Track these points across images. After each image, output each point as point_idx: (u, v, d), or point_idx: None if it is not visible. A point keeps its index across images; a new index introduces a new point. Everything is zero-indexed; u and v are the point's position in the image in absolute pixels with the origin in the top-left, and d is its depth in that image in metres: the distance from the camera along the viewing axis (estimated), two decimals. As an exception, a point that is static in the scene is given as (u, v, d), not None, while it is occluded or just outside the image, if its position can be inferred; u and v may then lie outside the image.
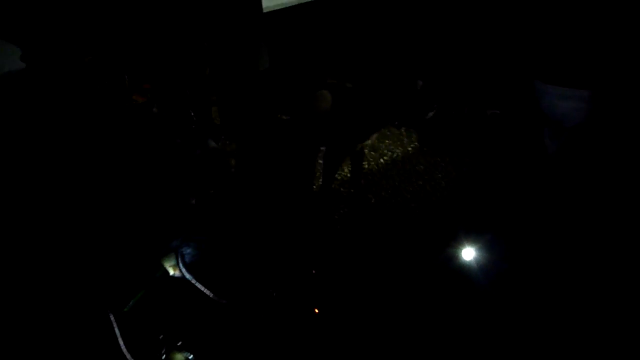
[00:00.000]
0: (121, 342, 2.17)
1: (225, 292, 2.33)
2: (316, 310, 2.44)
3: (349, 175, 3.26)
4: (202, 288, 2.27)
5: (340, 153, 3.00)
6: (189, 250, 2.37)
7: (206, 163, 2.67)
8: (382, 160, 3.61)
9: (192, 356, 2.25)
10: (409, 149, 3.68)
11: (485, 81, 3.48)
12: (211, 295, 2.28)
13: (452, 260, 2.70)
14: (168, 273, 2.30)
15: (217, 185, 2.65)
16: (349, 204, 3.17)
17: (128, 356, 2.15)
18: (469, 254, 2.67)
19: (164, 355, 2.20)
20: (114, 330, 2.19)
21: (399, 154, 3.63)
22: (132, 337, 2.20)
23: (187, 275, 2.30)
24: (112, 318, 2.22)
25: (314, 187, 3.14)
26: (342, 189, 3.27)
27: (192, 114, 2.76)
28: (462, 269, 2.68)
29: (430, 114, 2.74)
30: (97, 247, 2.41)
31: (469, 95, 3.46)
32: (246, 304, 2.39)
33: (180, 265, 2.33)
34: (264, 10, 3.14)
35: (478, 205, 3.01)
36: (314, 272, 2.59)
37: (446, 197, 3.17)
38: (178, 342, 2.23)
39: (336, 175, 3.19)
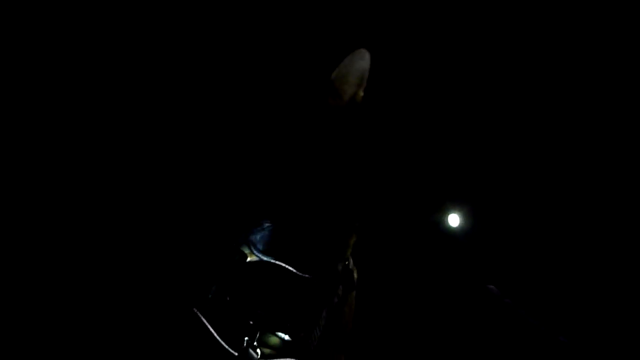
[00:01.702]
0: (212, 331, 2.09)
1: (305, 267, 2.25)
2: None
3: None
4: (284, 265, 2.19)
5: None
6: (258, 236, 2.30)
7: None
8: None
9: (287, 336, 2.16)
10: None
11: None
12: (294, 270, 2.20)
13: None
14: (245, 256, 2.23)
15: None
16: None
17: (223, 344, 2.07)
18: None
19: (258, 339, 2.11)
20: (203, 322, 2.11)
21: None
22: (221, 326, 2.12)
23: (265, 258, 2.23)
24: (197, 311, 2.15)
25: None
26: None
27: None
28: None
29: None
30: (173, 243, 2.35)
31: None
32: (329, 277, 2.30)
33: (255, 251, 2.25)
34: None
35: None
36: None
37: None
38: (269, 323, 2.14)
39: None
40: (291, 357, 2.18)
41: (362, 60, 2.47)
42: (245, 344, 2.07)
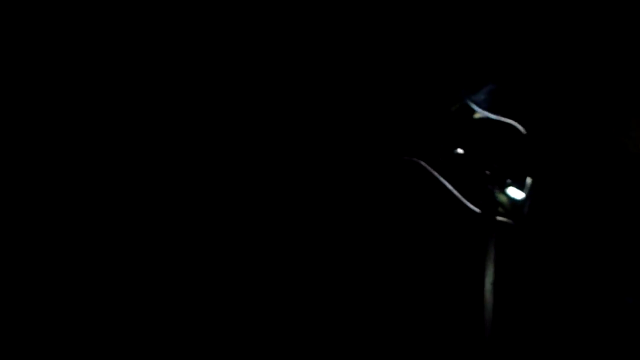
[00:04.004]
0: (445, 182, 2.08)
1: (530, 127, 2.18)
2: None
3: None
4: (513, 123, 2.12)
5: None
6: (484, 95, 2.23)
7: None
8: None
9: (516, 195, 2.12)
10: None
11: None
12: (522, 129, 2.13)
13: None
14: (473, 112, 2.17)
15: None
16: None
17: (456, 193, 2.06)
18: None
19: (494, 192, 2.08)
20: (434, 175, 2.10)
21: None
22: (455, 177, 2.11)
23: (493, 116, 2.16)
24: (424, 164, 2.14)
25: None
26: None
27: None
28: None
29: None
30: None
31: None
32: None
33: (480, 109, 2.19)
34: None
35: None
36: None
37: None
38: (502, 178, 2.11)
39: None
40: (511, 219, 2.16)
41: None
42: (487, 192, 2.06)
